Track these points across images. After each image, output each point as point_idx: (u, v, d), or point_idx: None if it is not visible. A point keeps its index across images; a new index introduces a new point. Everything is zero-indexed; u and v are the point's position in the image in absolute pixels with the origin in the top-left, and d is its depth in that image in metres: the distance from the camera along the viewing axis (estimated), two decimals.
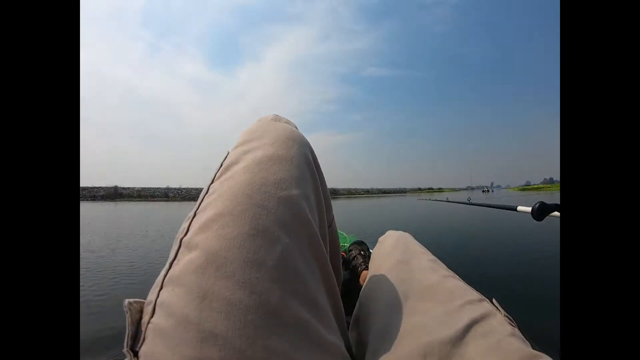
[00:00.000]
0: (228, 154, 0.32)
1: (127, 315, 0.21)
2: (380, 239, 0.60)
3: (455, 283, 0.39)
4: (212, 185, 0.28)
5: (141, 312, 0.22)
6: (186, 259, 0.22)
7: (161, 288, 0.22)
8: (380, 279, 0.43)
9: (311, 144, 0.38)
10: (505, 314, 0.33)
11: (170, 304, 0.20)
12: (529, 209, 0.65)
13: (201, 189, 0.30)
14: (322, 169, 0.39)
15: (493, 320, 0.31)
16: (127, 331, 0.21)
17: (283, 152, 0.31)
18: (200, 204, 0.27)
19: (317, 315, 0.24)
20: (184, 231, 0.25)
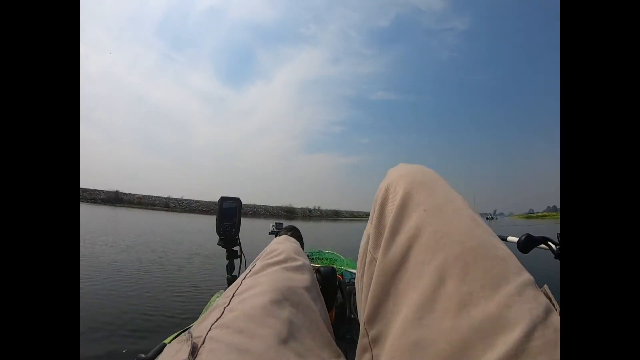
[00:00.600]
0: (255, 264, 0.49)
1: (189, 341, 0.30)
2: (391, 170, 0.45)
3: (506, 251, 0.29)
4: (244, 280, 0.43)
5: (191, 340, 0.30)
6: (230, 315, 0.33)
7: (210, 329, 0.31)
8: (402, 246, 0.32)
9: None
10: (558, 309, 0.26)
11: (218, 337, 0.30)
12: (517, 239, 0.65)
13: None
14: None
15: (556, 321, 0.24)
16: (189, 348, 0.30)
17: (293, 263, 0.49)
18: (237, 289, 0.40)
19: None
20: (227, 303, 0.36)
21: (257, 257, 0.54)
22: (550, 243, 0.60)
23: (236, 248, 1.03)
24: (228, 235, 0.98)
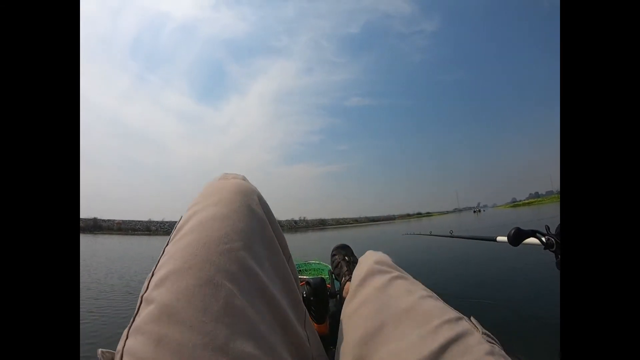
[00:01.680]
0: (181, 218, 0.36)
1: None
2: (361, 259, 0.60)
3: (433, 303, 0.38)
4: (166, 247, 0.32)
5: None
6: (145, 311, 0.26)
7: (127, 338, 0.25)
8: (357, 310, 0.44)
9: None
10: (484, 331, 0.34)
11: (134, 351, 0.24)
12: (506, 238, 0.67)
13: None
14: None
15: (470, 339, 0.31)
16: None
17: (225, 209, 0.34)
18: (157, 264, 0.30)
19: (266, 350, 0.27)
20: (145, 289, 0.28)
21: (192, 201, 0.38)
22: (539, 235, 0.61)
23: None
24: None
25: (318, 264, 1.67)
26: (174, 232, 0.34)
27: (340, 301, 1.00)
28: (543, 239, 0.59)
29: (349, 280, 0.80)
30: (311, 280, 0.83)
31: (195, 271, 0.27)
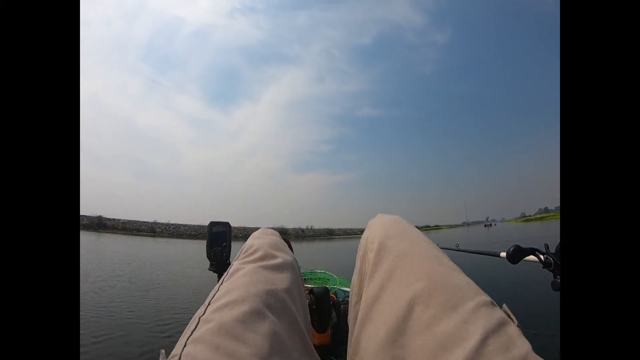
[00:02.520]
0: (231, 264, 0.47)
1: None
2: (370, 223, 0.53)
3: (464, 280, 0.35)
4: (222, 285, 0.41)
5: None
6: (204, 328, 0.32)
7: (185, 346, 0.30)
8: (378, 286, 0.39)
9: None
10: (518, 323, 0.31)
11: (194, 355, 0.29)
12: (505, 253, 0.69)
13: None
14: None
15: (510, 330, 0.28)
16: None
17: (269, 263, 0.45)
18: (214, 296, 0.38)
19: None
20: (202, 312, 0.35)
21: (236, 256, 0.51)
22: (537, 253, 0.62)
23: None
24: (219, 260, 0.98)
25: (324, 273, 1.67)
26: (225, 275, 0.44)
27: (345, 313, 0.99)
28: (542, 257, 0.60)
29: None
30: (315, 289, 0.83)
31: (248, 302, 0.35)
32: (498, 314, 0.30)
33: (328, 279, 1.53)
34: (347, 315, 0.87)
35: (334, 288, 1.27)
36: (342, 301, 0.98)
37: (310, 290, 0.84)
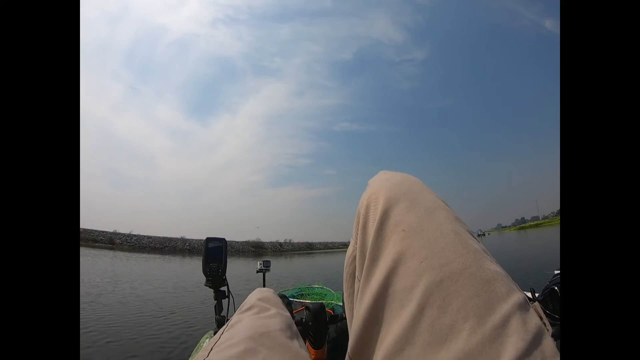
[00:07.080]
0: (230, 320, 0.50)
1: None
2: (370, 183, 0.41)
3: (493, 269, 0.27)
4: (222, 335, 0.43)
5: None
6: None
7: None
8: (381, 276, 0.30)
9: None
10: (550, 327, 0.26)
11: None
12: None
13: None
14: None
15: (546, 349, 0.22)
16: None
17: (265, 313, 0.49)
18: (216, 342, 0.41)
19: None
20: (206, 355, 0.38)
21: (236, 312, 0.57)
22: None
23: (224, 288, 1.03)
24: (215, 275, 0.99)
25: (321, 288, 1.63)
26: (225, 326, 0.47)
27: (343, 328, 0.98)
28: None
29: None
30: (311, 305, 0.82)
31: (244, 343, 0.38)
32: (533, 321, 0.24)
33: (325, 294, 1.50)
34: (345, 331, 0.86)
35: (331, 303, 1.26)
36: (340, 317, 0.97)
37: (306, 307, 0.84)
